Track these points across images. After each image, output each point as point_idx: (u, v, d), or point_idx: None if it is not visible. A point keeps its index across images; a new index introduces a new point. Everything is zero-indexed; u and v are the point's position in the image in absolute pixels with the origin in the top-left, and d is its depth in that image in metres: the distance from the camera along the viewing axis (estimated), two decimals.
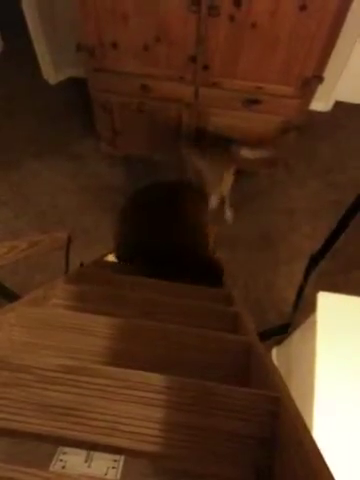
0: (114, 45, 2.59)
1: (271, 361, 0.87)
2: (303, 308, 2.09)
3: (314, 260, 1.94)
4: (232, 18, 2.29)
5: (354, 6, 2.19)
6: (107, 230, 3.09)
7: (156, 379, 0.70)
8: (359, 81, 3.45)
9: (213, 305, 1.44)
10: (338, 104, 3.65)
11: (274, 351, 2.48)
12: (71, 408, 0.66)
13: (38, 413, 0.67)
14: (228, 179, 2.85)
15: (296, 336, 2.20)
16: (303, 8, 2.18)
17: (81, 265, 2.01)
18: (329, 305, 1.80)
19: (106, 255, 2.35)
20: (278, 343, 2.47)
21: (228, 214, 3.14)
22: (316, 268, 1.95)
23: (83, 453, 0.69)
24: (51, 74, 3.76)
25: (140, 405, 0.67)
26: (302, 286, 2.09)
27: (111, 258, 2.37)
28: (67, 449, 0.70)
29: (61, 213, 3.16)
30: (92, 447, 0.67)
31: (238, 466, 0.64)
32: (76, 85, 3.67)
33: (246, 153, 2.95)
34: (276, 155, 3.04)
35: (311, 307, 1.83)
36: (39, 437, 0.66)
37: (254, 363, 0.92)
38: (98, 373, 0.70)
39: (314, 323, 1.77)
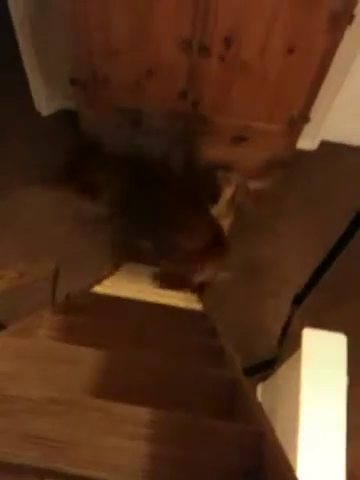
0: (106, 80, 2.64)
1: (255, 397, 0.87)
2: (289, 343, 2.09)
3: (299, 298, 1.96)
4: (222, 58, 2.36)
5: (340, 48, 2.27)
6: (94, 259, 3.09)
7: (142, 413, 0.70)
8: (345, 121, 3.53)
9: (198, 338, 1.44)
10: (324, 143, 3.72)
11: (259, 387, 2.47)
12: (57, 440, 0.66)
13: (23, 444, 0.66)
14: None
15: (281, 372, 2.20)
16: (291, 51, 2.26)
17: (67, 296, 2.01)
18: (314, 342, 1.81)
19: (93, 285, 2.35)
20: (263, 379, 2.46)
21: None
22: (301, 305, 1.96)
23: None
24: (43, 106, 3.79)
25: (126, 438, 0.67)
26: (287, 324, 2.09)
27: (98, 289, 2.36)
28: None
29: (49, 242, 3.16)
30: None
31: None
32: (68, 116, 3.70)
33: (252, 183, 3.02)
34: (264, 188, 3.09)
35: (296, 342, 1.84)
36: (23, 469, 0.66)
37: (239, 398, 0.93)
38: (85, 405, 0.70)
39: (299, 359, 1.77)
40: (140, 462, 0.65)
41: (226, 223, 2.81)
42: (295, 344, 1.86)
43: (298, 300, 1.95)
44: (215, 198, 2.48)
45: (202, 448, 0.67)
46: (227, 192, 2.49)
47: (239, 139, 2.82)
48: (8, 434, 0.67)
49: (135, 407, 0.71)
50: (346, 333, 1.82)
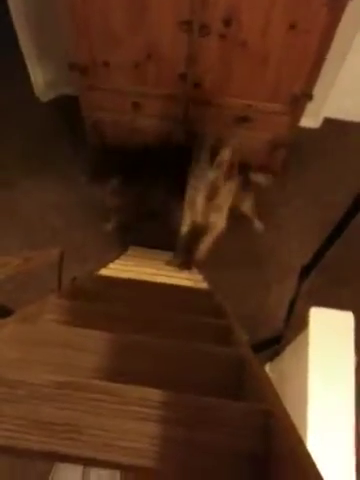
0: (106, 64, 2.61)
1: (264, 373, 0.87)
2: (295, 324, 2.09)
3: (306, 270, 1.95)
4: (223, 37, 2.33)
5: (342, 24, 2.23)
6: (98, 246, 3.09)
7: (151, 394, 0.70)
8: (348, 98, 3.49)
9: (205, 319, 1.44)
10: (327, 121, 3.69)
11: (267, 367, 2.47)
12: (66, 424, 0.66)
13: (33, 430, 0.66)
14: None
15: (288, 352, 2.20)
16: (292, 27, 2.22)
17: (74, 280, 2.01)
18: (321, 320, 1.80)
19: (99, 269, 2.36)
20: (271, 359, 2.46)
21: (257, 225, 3.20)
22: (308, 280, 1.95)
23: (79, 469, 0.69)
24: (43, 92, 3.77)
25: (135, 420, 0.67)
26: (295, 296, 2.09)
27: (105, 272, 2.37)
28: (63, 465, 0.69)
29: (52, 230, 3.16)
30: (88, 463, 0.67)
31: None
32: (68, 102, 3.68)
33: (256, 177, 3.00)
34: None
35: (303, 323, 1.84)
36: (34, 454, 0.66)
37: (247, 375, 0.93)
38: (92, 388, 0.70)
39: (306, 338, 1.77)
40: (149, 444, 0.65)
41: (228, 189, 2.76)
42: (301, 325, 1.86)
43: (306, 271, 1.94)
44: (212, 160, 2.43)
45: (211, 429, 0.67)
46: (223, 154, 2.43)
47: (242, 120, 2.79)
48: (17, 419, 0.67)
49: (144, 388, 0.71)
50: (353, 312, 1.82)
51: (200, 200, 2.53)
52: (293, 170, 3.40)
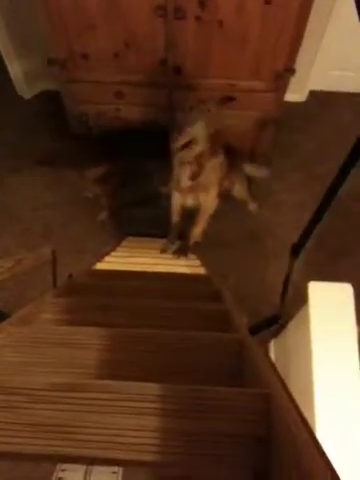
0: (85, 56, 2.59)
1: (263, 357, 0.87)
2: (295, 299, 2.09)
3: (295, 249, 1.95)
4: (198, 19, 2.30)
5: None
6: (93, 239, 3.08)
7: (148, 388, 0.70)
8: (331, 69, 3.47)
9: (203, 304, 1.44)
10: (313, 93, 3.66)
11: (271, 343, 2.49)
12: (64, 425, 0.66)
13: (33, 433, 0.67)
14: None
15: (291, 327, 2.21)
16: (268, 2, 2.19)
17: (70, 276, 2.01)
18: (320, 294, 1.81)
19: (95, 263, 2.35)
20: (275, 336, 2.47)
21: (252, 207, 3.20)
22: (300, 257, 1.95)
23: (81, 468, 0.69)
24: (25, 89, 3.74)
25: (133, 415, 0.68)
26: (287, 275, 2.09)
27: (100, 266, 2.36)
28: (65, 466, 0.70)
29: (46, 226, 3.15)
30: (90, 462, 0.67)
31: (236, 467, 0.65)
32: (50, 97, 3.65)
33: (251, 170, 3.00)
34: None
35: (303, 298, 1.84)
36: (36, 457, 0.66)
37: (247, 360, 0.93)
38: (88, 388, 0.70)
39: (307, 313, 1.78)
40: (151, 438, 0.66)
41: (212, 167, 2.73)
42: (300, 299, 1.86)
43: (295, 250, 1.94)
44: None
45: (211, 418, 0.67)
46: (197, 129, 2.40)
47: (226, 100, 2.77)
48: (16, 425, 0.67)
49: (140, 383, 0.71)
50: (352, 284, 1.82)
51: (184, 179, 2.52)
52: (283, 145, 3.39)
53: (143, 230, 3.09)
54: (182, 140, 2.34)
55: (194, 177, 2.53)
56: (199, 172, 2.51)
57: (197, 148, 2.41)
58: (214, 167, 2.61)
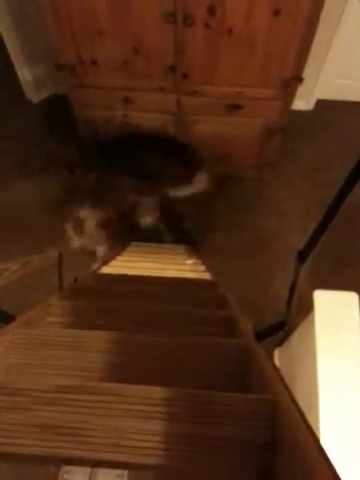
0: (93, 61, 2.61)
1: (269, 363, 0.87)
2: (300, 307, 2.09)
3: (302, 255, 1.94)
4: (208, 26, 2.31)
5: (328, 5, 2.22)
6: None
7: (154, 392, 0.70)
8: (339, 78, 3.48)
9: (208, 310, 1.44)
10: (320, 102, 3.67)
11: (276, 352, 2.48)
12: (70, 427, 0.66)
13: (38, 435, 0.66)
14: None
15: (296, 336, 2.21)
16: (277, 13, 2.20)
17: (75, 280, 2.01)
18: (326, 302, 1.80)
19: (101, 267, 2.36)
20: (279, 344, 2.47)
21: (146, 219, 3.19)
22: (306, 264, 1.95)
23: (86, 471, 0.69)
24: (33, 93, 3.77)
25: (140, 419, 0.67)
26: (293, 282, 2.09)
27: (106, 270, 2.37)
28: (70, 468, 0.70)
29: (52, 231, 3.16)
30: (95, 464, 0.67)
31: (241, 473, 0.64)
32: (59, 102, 3.67)
33: (175, 192, 3.00)
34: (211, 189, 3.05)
35: (308, 306, 1.84)
36: (41, 459, 0.66)
37: (252, 366, 0.92)
38: (94, 390, 0.70)
39: (312, 322, 1.77)
40: (156, 442, 0.65)
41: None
42: (306, 306, 1.86)
43: (302, 255, 1.94)
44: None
45: (216, 423, 0.67)
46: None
47: (233, 107, 2.78)
48: (22, 426, 0.67)
49: (146, 387, 0.70)
50: (357, 293, 1.82)
51: None
52: (290, 153, 3.39)
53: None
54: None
55: None
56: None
57: None
58: None
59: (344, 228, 1.96)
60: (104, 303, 1.47)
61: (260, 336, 2.21)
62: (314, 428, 0.59)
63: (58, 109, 3.64)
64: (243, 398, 0.69)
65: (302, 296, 2.08)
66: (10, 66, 3.52)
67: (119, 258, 2.66)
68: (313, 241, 1.80)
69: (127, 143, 3.00)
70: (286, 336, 2.38)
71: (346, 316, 1.78)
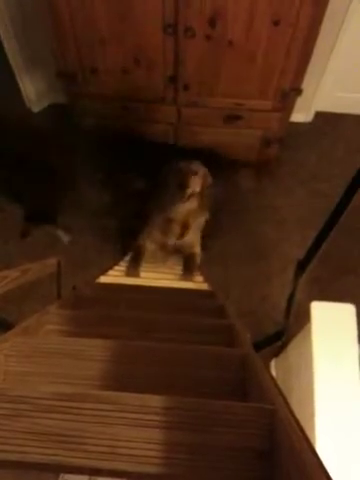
0: (94, 70, 2.62)
1: (267, 372, 0.87)
2: (297, 317, 2.09)
3: (301, 266, 1.95)
4: (208, 38, 2.33)
5: (327, 16, 2.24)
6: (98, 253, 3.08)
7: (152, 400, 0.70)
8: (338, 91, 3.50)
9: (207, 320, 1.45)
10: (319, 114, 3.69)
11: (273, 363, 2.47)
12: (69, 435, 0.67)
13: (37, 442, 0.67)
14: None
15: (293, 347, 2.21)
16: (277, 23, 2.23)
17: (74, 288, 2.02)
18: (323, 314, 1.80)
19: (98, 276, 2.36)
20: (276, 355, 2.46)
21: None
22: (305, 274, 1.95)
23: (85, 479, 0.69)
24: (34, 102, 3.78)
25: (138, 427, 0.68)
26: (292, 293, 2.09)
27: (103, 279, 2.37)
28: (68, 476, 0.70)
29: (51, 239, 3.16)
30: (93, 472, 0.67)
31: None
32: (59, 110, 3.68)
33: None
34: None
35: (305, 316, 1.84)
36: (39, 466, 0.67)
37: (250, 375, 0.93)
38: (92, 398, 0.70)
39: (309, 333, 1.77)
40: (155, 450, 0.66)
41: (201, 220, 2.77)
42: (303, 317, 1.86)
43: (301, 266, 1.94)
44: (183, 190, 2.43)
45: (215, 431, 0.67)
46: (193, 183, 2.43)
47: (232, 118, 2.80)
48: (22, 434, 0.68)
49: (144, 395, 0.71)
50: (353, 303, 1.82)
51: (171, 238, 2.64)
52: (288, 162, 3.41)
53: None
54: (193, 187, 2.39)
55: (182, 236, 2.61)
56: (186, 231, 2.60)
57: (193, 203, 2.46)
58: (199, 226, 2.70)
59: (342, 235, 1.96)
60: (102, 311, 1.47)
61: (258, 347, 2.21)
62: (310, 439, 0.59)
63: (58, 118, 3.65)
64: (241, 406, 0.69)
65: (299, 304, 2.08)
66: (11, 75, 3.53)
67: (117, 268, 2.66)
68: (312, 252, 1.81)
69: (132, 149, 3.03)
70: (283, 346, 2.38)
71: (343, 328, 1.78)
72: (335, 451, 1.50)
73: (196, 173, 2.45)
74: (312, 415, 1.58)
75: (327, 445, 1.52)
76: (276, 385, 0.79)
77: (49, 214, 3.10)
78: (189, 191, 2.40)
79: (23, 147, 3.07)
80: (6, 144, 2.96)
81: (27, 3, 2.93)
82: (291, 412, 0.67)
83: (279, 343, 2.39)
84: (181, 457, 0.65)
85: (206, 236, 2.87)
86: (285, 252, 3.04)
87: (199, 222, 2.71)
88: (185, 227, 2.60)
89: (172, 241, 2.61)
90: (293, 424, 0.63)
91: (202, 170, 2.53)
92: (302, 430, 0.62)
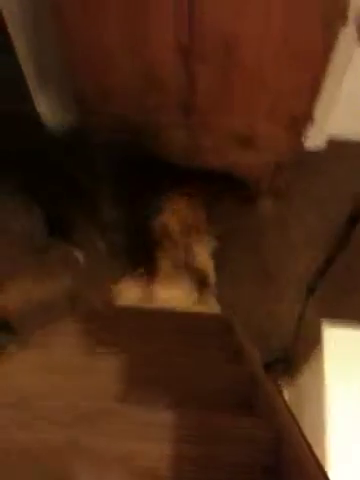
0: (105, 94, 2.65)
1: (275, 389, 0.88)
2: (308, 338, 2.08)
3: (310, 289, 1.95)
4: (221, 61, 2.36)
5: (338, 46, 2.27)
6: (107, 268, 3.09)
7: (164, 414, 0.71)
8: (350, 117, 3.51)
9: (217, 338, 1.45)
10: (331, 142, 3.70)
11: (284, 388, 2.44)
12: (81, 447, 0.67)
13: (51, 454, 0.67)
14: None
15: (304, 371, 2.17)
16: (290, 51, 2.25)
17: (88, 303, 2.02)
18: (335, 338, 1.79)
19: (108, 292, 2.36)
20: (286, 373, 2.44)
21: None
22: (313, 296, 1.95)
23: None
24: (48, 119, 3.83)
25: (147, 441, 0.68)
26: (301, 315, 2.09)
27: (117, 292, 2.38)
28: None
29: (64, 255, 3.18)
30: None
31: None
32: (73, 129, 3.72)
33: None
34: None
35: (316, 336, 1.83)
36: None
37: (259, 393, 0.93)
38: (108, 412, 0.71)
39: (321, 355, 1.76)
40: (163, 463, 0.66)
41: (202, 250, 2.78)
42: (315, 338, 1.85)
43: (310, 290, 1.95)
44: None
45: (223, 445, 0.67)
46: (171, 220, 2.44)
47: (243, 142, 2.82)
48: (33, 445, 0.68)
49: (154, 409, 0.72)
50: None
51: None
52: (300, 188, 3.41)
53: None
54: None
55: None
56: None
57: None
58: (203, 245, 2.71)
59: (350, 254, 1.96)
60: (114, 329, 1.48)
61: (268, 367, 2.20)
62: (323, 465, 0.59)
63: (71, 136, 3.70)
64: (249, 421, 0.70)
65: (309, 325, 2.07)
66: (26, 91, 3.59)
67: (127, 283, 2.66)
68: (320, 275, 1.81)
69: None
70: (293, 368, 2.36)
71: (356, 351, 1.76)
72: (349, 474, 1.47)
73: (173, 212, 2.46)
74: (324, 441, 1.56)
75: (341, 472, 1.49)
76: (284, 401, 0.79)
77: (65, 230, 3.13)
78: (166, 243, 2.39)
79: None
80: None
81: (42, 28, 3.01)
82: (300, 430, 0.67)
83: (290, 361, 2.38)
84: (188, 470, 0.66)
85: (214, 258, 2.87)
86: (293, 275, 3.03)
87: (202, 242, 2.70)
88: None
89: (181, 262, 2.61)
90: (301, 442, 0.63)
91: (181, 205, 2.52)
92: (309, 445, 0.62)
